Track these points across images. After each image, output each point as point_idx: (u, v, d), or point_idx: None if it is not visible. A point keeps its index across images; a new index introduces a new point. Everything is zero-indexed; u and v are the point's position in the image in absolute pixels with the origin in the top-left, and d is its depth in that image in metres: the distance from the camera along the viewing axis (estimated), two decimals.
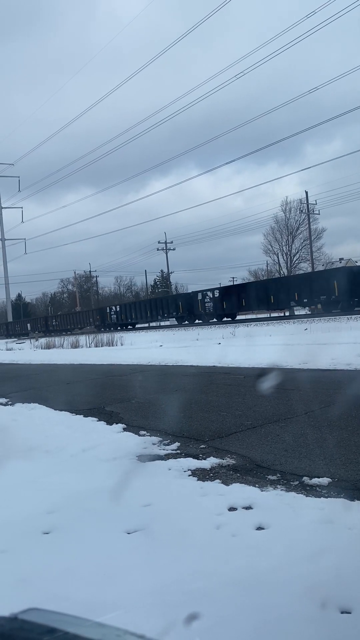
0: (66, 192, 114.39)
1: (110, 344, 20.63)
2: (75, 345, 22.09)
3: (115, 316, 38.19)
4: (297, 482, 2.93)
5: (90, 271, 79.55)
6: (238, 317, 30.61)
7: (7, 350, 26.26)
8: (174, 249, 64.75)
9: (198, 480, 3.09)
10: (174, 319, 33.45)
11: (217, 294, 30.70)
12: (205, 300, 30.92)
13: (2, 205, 60.05)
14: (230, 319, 29.89)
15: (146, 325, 36.20)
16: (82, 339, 22.96)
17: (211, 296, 30.75)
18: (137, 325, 36.86)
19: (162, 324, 35.68)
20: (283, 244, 59.87)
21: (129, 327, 34.59)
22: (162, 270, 75.68)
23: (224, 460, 3.47)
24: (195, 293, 32.54)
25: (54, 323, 48.52)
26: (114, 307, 39.93)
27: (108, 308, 40.54)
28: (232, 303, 29.29)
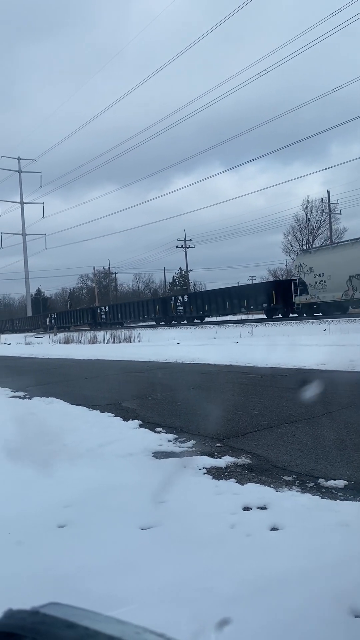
0: (90, 188, 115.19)
1: (128, 340, 20.72)
2: (93, 341, 22.22)
3: (104, 316, 41.65)
4: (313, 484, 2.91)
5: (109, 267, 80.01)
6: (208, 320, 32.83)
7: (26, 344, 26.55)
8: (193, 247, 64.76)
9: (213, 478, 3.08)
10: (153, 320, 36.20)
11: (186, 298, 34.43)
12: (177, 304, 34.22)
13: (24, 201, 60.64)
14: (199, 320, 32.62)
15: (134, 324, 37.94)
16: (100, 334, 23.08)
17: (182, 300, 34.32)
18: (138, 323, 38.60)
19: (145, 323, 37.51)
20: (303, 243, 59.37)
21: (115, 325, 36.98)
22: (180, 268, 75.68)
23: (240, 460, 3.46)
24: (169, 297, 36.65)
25: (54, 318, 49.88)
26: (104, 308, 43.54)
27: (99, 308, 44.01)
28: (198, 307, 32.56)
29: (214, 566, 1.95)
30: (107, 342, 21.13)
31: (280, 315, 26.70)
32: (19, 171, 59.32)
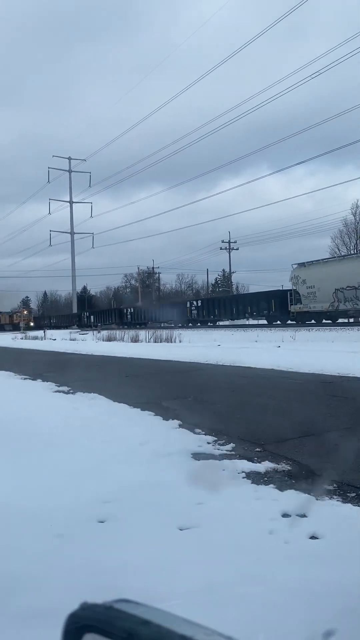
0: (138, 189, 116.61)
1: (169, 340, 20.82)
2: (135, 340, 22.45)
3: (130, 316, 45.03)
4: (354, 494, 2.85)
5: (153, 267, 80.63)
6: (220, 324, 34.93)
7: (71, 340, 27.09)
8: (237, 249, 64.34)
9: (252, 483, 3.07)
10: (172, 322, 38.45)
11: (200, 304, 37.72)
12: (192, 309, 37.39)
13: (73, 200, 61.88)
14: (211, 324, 35.03)
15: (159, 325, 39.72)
16: (142, 334, 23.29)
17: (196, 305, 37.61)
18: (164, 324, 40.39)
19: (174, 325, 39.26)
20: (351, 247, 58.11)
21: (139, 325, 39.28)
22: (223, 270, 75.47)
23: (279, 466, 3.43)
24: (185, 302, 40.53)
25: (87, 317, 52.15)
26: (129, 309, 47.15)
27: (125, 309, 48.01)
28: (209, 312, 35.68)
29: (252, 571, 1.95)
30: (148, 342, 21.31)
31: (278, 322, 28.98)
32: (69, 171, 60.54)
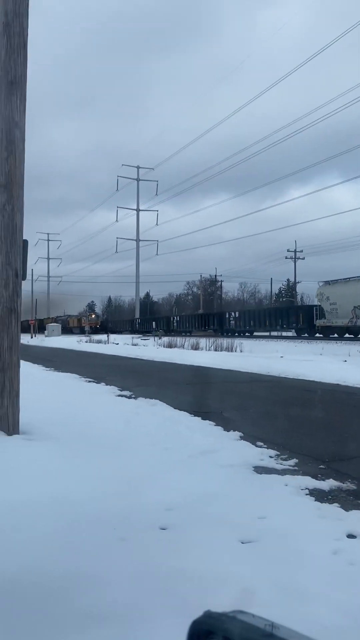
0: (203, 197, 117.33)
1: (230, 349, 20.72)
2: (195, 347, 22.52)
3: (175, 324, 48.37)
4: None
5: (215, 275, 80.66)
6: (255, 334, 37.00)
7: (133, 345, 27.56)
8: (303, 258, 63.16)
9: (315, 500, 3.00)
10: (212, 330, 41.05)
11: (237, 315, 40.48)
12: (230, 319, 40.26)
13: (140, 208, 63.14)
14: (249, 334, 36.77)
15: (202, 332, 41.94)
16: (203, 341, 23.34)
17: (234, 316, 40.36)
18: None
19: (256, 334, 40.34)
20: None
21: (185, 333, 40.67)
22: (288, 279, 74.32)
23: (344, 485, 3.33)
24: (224, 313, 43.62)
25: (146, 322, 54.50)
26: (176, 317, 51.69)
27: (171, 318, 51.92)
28: (245, 322, 38.42)
29: (314, 591, 1.91)
30: (209, 350, 21.31)
31: (306, 335, 31.21)
32: (137, 179, 61.89)
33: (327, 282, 30.31)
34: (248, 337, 33.39)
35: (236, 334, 36.33)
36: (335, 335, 27.84)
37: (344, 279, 29.11)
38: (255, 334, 36.73)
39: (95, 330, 54.39)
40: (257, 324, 37.04)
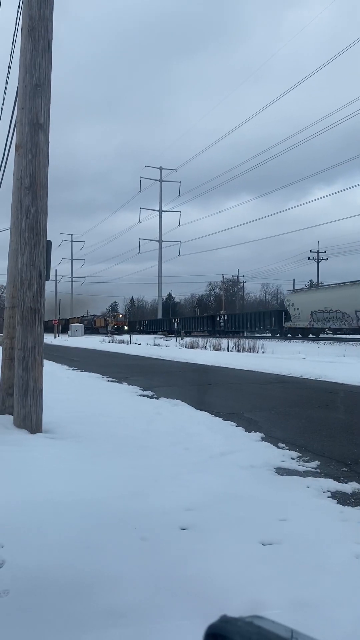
0: (227, 198, 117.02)
1: (252, 350, 20.62)
2: (217, 348, 22.48)
3: (177, 326, 51.06)
4: None
5: (237, 276, 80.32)
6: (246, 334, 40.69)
7: (155, 345, 27.64)
8: (326, 259, 62.44)
9: (338, 503, 2.97)
10: (206, 331, 45.01)
11: (226, 317, 44.89)
12: (220, 321, 44.33)
13: (163, 209, 63.26)
14: (235, 334, 39.55)
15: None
16: (225, 342, 23.28)
17: (224, 319, 44.49)
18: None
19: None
20: None
21: (186, 333, 44.95)
22: (310, 280, 73.54)
23: None
24: (216, 315, 47.75)
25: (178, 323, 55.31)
26: (177, 319, 54.80)
27: (173, 320, 54.93)
28: (232, 324, 42.62)
29: (336, 596, 1.88)
30: (230, 351, 21.24)
31: (278, 335, 35.53)
32: (160, 180, 62.06)
33: (292, 291, 36.99)
34: (231, 337, 36.26)
35: (225, 335, 39.94)
36: (299, 335, 33.06)
37: (305, 288, 35.22)
38: (245, 334, 40.21)
39: (124, 331, 54.84)
40: (242, 325, 41.40)
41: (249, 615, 0.59)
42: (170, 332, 50.29)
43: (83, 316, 75.06)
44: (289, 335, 34.70)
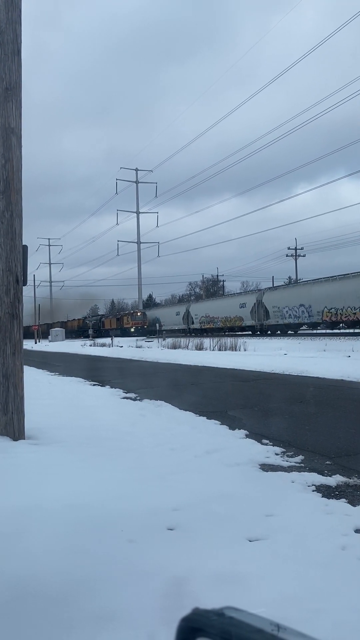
0: (209, 197, 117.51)
1: (234, 348, 20.71)
2: (199, 348, 22.51)
3: (157, 326, 49.87)
4: None
5: (217, 275, 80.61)
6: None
7: (137, 347, 27.56)
8: (304, 256, 63.07)
9: (322, 497, 3.00)
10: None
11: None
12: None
13: (140, 210, 63.13)
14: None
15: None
16: (207, 341, 23.33)
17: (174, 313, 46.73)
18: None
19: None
20: None
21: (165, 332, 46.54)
22: (289, 277, 74.15)
23: (351, 480, 3.33)
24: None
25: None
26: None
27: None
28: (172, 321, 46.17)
29: (323, 587, 1.90)
30: (212, 350, 21.29)
31: (258, 333, 36.55)
32: (136, 182, 61.87)
33: (270, 289, 40.23)
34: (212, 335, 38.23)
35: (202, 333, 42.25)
36: (278, 332, 34.84)
37: (283, 285, 37.19)
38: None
39: (141, 332, 49.47)
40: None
41: (221, 607, 0.60)
42: (151, 333, 49.82)
43: (84, 317, 69.43)
44: (268, 332, 36.06)
